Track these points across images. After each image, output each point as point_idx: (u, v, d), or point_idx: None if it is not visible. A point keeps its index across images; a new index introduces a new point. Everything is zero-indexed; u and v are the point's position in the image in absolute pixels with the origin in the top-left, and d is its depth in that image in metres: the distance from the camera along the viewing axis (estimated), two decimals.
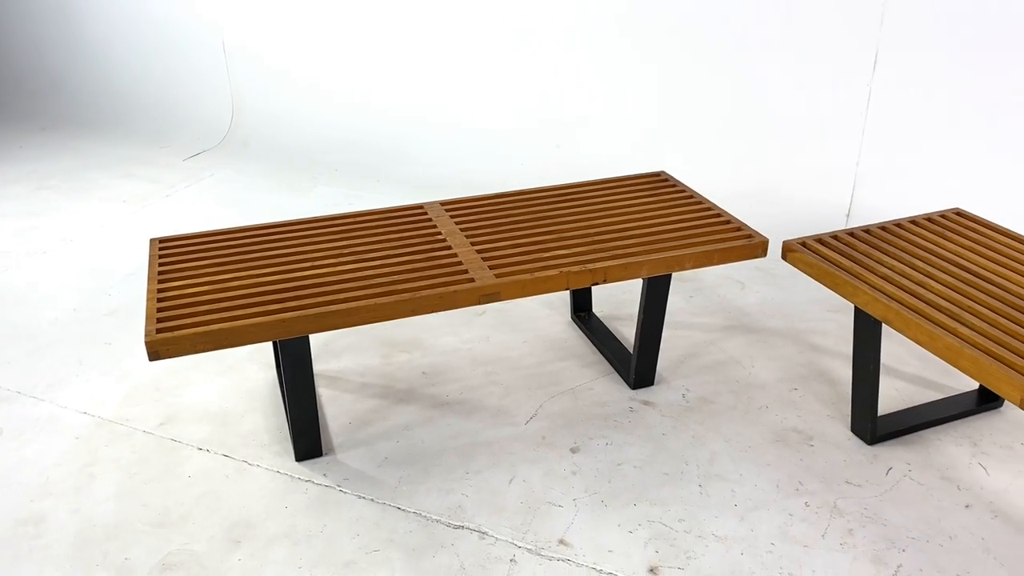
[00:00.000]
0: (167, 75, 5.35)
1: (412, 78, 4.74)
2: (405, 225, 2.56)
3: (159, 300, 2.15)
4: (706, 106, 4.14)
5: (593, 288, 3.26)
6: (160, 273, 2.29)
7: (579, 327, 3.06)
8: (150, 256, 2.39)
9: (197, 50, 5.22)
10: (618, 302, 3.24)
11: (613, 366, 2.81)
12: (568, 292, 3.25)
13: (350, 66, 4.86)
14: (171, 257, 2.38)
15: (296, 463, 2.38)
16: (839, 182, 3.94)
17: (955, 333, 2.00)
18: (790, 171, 4.03)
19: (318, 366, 2.84)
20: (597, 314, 3.13)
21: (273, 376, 2.79)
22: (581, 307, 3.11)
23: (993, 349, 1.92)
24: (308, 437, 2.36)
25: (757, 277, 3.43)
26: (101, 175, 4.62)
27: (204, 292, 2.19)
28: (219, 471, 2.35)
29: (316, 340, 2.98)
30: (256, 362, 2.86)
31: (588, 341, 2.98)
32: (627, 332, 3.03)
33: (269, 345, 2.94)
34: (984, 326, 2.02)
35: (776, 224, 3.82)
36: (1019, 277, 2.23)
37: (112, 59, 5.48)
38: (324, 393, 2.70)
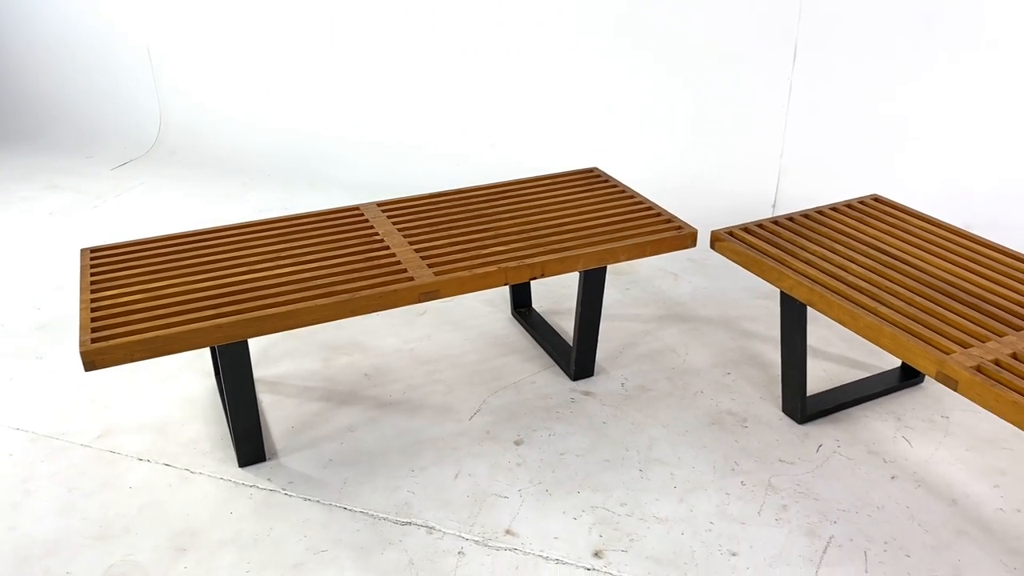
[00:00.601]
0: (91, 83, 5.22)
1: (342, 80, 4.72)
2: (342, 227, 2.57)
3: (93, 309, 2.12)
4: (635, 103, 4.23)
5: (532, 284, 3.31)
6: (93, 283, 2.25)
7: (519, 323, 3.10)
8: (81, 266, 2.34)
9: (122, 57, 5.11)
10: (557, 297, 3.29)
11: (554, 359, 2.86)
12: (507, 289, 3.30)
13: (278, 70, 4.82)
14: (103, 266, 2.34)
15: (239, 469, 2.36)
16: (764, 173, 4.06)
17: (875, 312, 2.10)
18: (718, 164, 4.14)
19: (258, 372, 2.82)
20: (537, 309, 3.18)
21: (212, 384, 2.76)
22: (521, 303, 3.15)
23: (911, 326, 2.03)
24: (251, 442, 2.34)
25: (689, 268, 3.52)
26: (24, 186, 4.49)
27: (139, 300, 2.16)
28: (161, 481, 2.33)
29: (255, 346, 2.96)
30: (194, 370, 2.83)
31: (529, 336, 3.02)
32: (566, 326, 3.08)
33: (207, 353, 2.91)
34: (902, 305, 2.12)
35: (705, 216, 3.92)
36: (934, 258, 2.35)
37: (34, 67, 5.32)
38: (265, 399, 2.68)
